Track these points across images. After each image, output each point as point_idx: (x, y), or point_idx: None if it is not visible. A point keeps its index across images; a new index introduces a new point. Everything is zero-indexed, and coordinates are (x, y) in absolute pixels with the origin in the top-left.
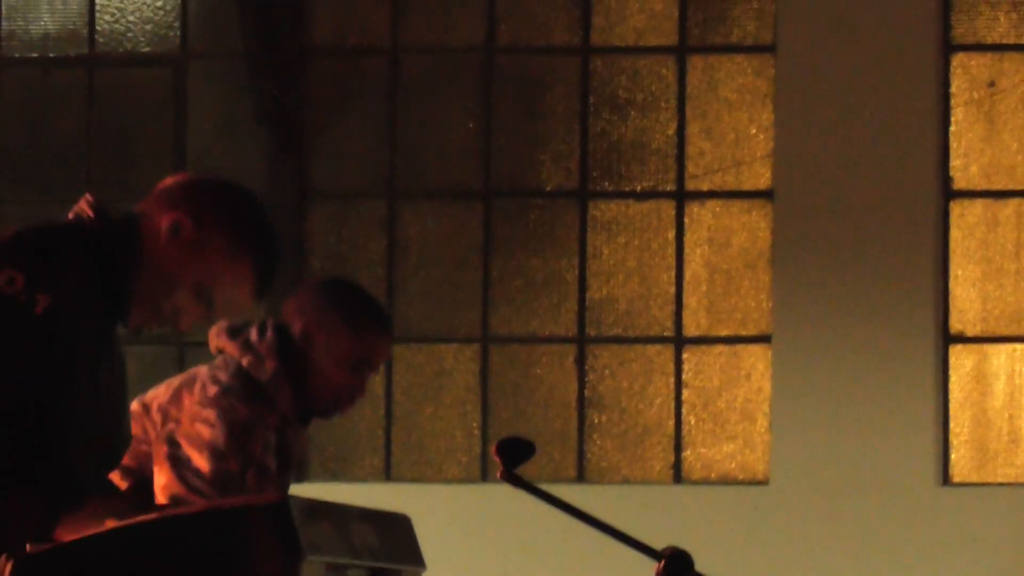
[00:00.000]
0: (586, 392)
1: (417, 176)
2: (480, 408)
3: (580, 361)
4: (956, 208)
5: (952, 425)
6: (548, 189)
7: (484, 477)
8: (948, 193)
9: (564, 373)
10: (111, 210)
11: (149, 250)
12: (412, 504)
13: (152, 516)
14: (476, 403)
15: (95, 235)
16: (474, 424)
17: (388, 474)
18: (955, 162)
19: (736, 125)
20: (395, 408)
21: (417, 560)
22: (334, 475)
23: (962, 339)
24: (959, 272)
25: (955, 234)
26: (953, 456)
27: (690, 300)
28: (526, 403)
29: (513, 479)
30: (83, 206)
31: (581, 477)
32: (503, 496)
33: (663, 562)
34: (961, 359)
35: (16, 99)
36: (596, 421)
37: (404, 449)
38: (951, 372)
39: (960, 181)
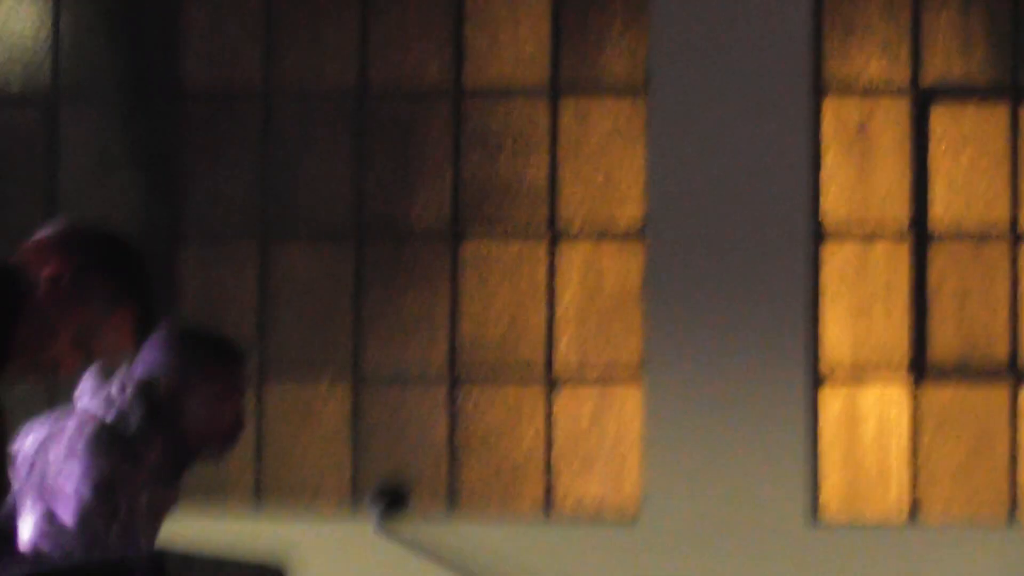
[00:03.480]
0: (457, 432)
1: (289, 218)
2: (351, 447)
3: (451, 401)
4: (827, 250)
5: (821, 465)
6: (419, 230)
7: (354, 512)
8: (819, 235)
9: (435, 413)
10: None
11: (30, 302)
12: (283, 539)
13: (25, 573)
14: (347, 442)
15: None
16: (345, 462)
17: (260, 509)
18: (826, 204)
19: (607, 166)
20: (265, 447)
21: None
22: (203, 510)
23: (831, 381)
24: (829, 314)
25: (826, 276)
26: (822, 497)
27: (560, 340)
28: (396, 441)
29: (386, 531)
30: None
31: (452, 513)
32: (372, 534)
33: None
34: (830, 400)
35: None
36: (466, 460)
37: (275, 484)
38: (820, 413)
39: (831, 223)
